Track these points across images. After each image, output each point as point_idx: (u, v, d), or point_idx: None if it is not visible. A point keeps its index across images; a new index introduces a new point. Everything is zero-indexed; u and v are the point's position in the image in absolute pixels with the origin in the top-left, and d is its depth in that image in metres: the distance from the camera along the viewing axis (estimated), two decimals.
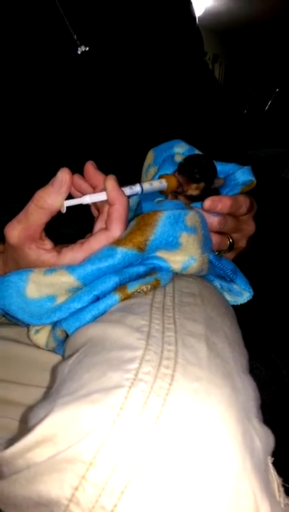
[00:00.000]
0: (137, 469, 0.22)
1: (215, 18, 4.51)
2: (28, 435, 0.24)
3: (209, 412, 0.24)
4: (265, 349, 0.64)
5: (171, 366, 0.26)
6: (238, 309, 0.47)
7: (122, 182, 0.40)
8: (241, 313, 0.47)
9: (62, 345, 0.39)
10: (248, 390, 0.28)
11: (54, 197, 0.36)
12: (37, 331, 0.40)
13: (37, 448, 0.24)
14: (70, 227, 0.54)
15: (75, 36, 0.53)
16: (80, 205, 0.39)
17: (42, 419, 0.24)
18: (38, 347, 0.41)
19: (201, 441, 0.23)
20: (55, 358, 0.42)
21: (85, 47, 0.53)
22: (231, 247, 0.47)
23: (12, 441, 0.25)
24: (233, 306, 0.48)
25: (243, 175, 0.46)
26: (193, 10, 0.67)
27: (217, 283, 0.49)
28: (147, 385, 0.24)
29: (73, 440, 0.23)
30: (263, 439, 0.26)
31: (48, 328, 0.39)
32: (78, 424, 0.23)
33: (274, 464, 0.28)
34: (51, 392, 0.29)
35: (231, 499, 0.22)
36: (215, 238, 0.44)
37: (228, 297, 0.49)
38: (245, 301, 0.49)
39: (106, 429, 0.23)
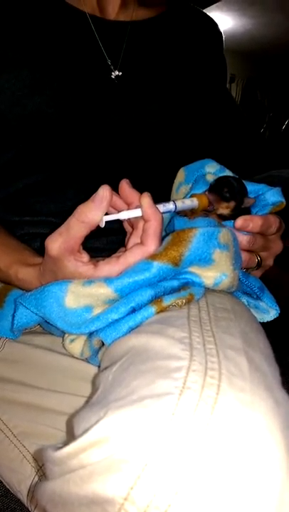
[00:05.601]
0: (189, 472, 0.23)
1: (232, 40, 4.60)
2: (82, 437, 0.25)
3: (256, 422, 0.25)
4: None
5: (216, 377, 0.27)
6: (264, 326, 0.48)
7: (154, 199, 0.41)
8: (268, 331, 0.47)
9: (97, 354, 0.40)
10: (287, 403, 0.29)
11: (95, 212, 0.38)
12: (72, 340, 0.41)
13: (92, 449, 0.25)
14: (99, 240, 0.56)
15: (109, 61, 0.56)
16: (112, 220, 0.41)
17: (96, 422, 0.25)
18: (72, 356, 0.42)
19: (249, 449, 0.24)
20: (89, 367, 0.43)
21: (119, 72, 0.56)
22: (259, 264, 0.48)
23: (63, 444, 0.26)
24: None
25: (273, 196, 0.47)
26: (221, 36, 0.69)
27: (244, 300, 0.49)
28: (196, 393, 0.25)
29: (128, 442, 0.24)
30: None
31: (83, 337, 0.41)
32: (133, 426, 0.24)
33: None
34: (97, 398, 0.30)
35: (276, 508, 0.23)
36: (244, 256, 0.45)
37: (254, 314, 0.49)
38: (272, 318, 0.49)
39: (159, 433, 0.24)
